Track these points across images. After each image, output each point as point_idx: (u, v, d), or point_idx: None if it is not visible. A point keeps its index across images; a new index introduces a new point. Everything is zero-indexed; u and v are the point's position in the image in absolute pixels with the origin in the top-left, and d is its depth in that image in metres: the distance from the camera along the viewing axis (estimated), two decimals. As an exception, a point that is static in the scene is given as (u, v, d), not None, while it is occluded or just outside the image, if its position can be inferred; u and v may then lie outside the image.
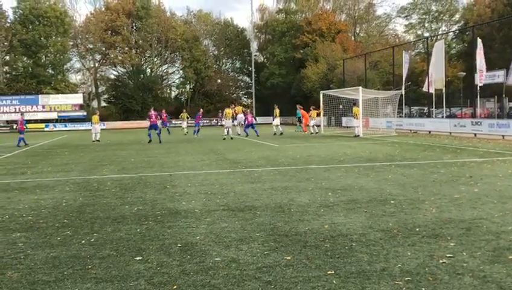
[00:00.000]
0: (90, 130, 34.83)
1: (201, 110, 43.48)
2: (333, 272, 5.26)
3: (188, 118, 42.47)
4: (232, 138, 30.97)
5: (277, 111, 35.67)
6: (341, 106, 42.71)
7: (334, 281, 4.98)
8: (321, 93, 38.53)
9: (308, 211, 8.38)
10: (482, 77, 31.43)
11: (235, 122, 36.29)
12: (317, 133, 35.54)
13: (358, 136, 30.44)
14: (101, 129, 35.23)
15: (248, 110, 36.79)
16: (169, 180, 12.77)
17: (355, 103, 32.82)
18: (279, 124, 35.76)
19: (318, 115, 37.10)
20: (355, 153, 18.98)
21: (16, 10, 70.90)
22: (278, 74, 70.73)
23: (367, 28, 77.69)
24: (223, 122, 35.23)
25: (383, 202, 9.04)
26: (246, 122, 34.71)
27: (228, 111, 33.64)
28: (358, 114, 31.47)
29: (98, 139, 32.50)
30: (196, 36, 77.59)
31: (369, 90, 36.81)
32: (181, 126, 42.59)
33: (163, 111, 37.97)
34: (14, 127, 31.92)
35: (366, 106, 34.26)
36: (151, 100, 71.18)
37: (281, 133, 34.46)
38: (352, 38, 74.21)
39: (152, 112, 30.10)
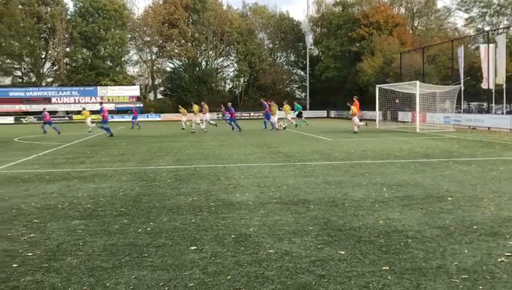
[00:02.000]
0: (94, 124, 36.81)
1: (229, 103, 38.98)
2: (388, 267, 5.21)
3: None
4: (205, 131, 32.70)
5: (274, 107, 35.02)
6: (397, 101, 42.00)
7: (389, 277, 4.93)
8: (377, 87, 38.02)
9: (363, 206, 8.30)
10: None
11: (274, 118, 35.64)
12: (284, 128, 34.93)
13: (356, 132, 29.59)
14: (156, 120, 36.21)
15: (229, 104, 36.79)
16: (223, 172, 12.87)
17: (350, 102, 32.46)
18: (275, 120, 35.35)
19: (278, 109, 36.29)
20: (411, 149, 18.64)
21: (76, 3, 72.98)
22: (333, 68, 70.12)
23: (426, 22, 75.97)
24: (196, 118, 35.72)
25: (439, 198, 8.86)
26: (230, 117, 35.49)
27: (196, 107, 35.12)
28: (356, 111, 31.32)
29: (90, 131, 35.21)
30: (251, 29, 77.77)
31: (427, 84, 35.98)
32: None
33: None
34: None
35: (424, 101, 33.58)
36: (206, 93, 71.88)
37: (271, 128, 34.08)
38: (410, 31, 72.74)
39: (104, 107, 32.23)
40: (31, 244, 6.42)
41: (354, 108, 31.34)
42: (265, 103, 36.99)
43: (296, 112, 41.91)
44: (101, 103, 38.22)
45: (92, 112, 50.03)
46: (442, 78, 50.07)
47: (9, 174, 13.14)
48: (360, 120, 32.42)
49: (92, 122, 37.31)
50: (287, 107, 37.55)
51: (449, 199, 8.81)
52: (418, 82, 31.95)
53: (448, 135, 26.55)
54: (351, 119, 34.03)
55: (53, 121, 39.40)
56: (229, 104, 36.87)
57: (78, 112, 58.68)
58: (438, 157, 15.54)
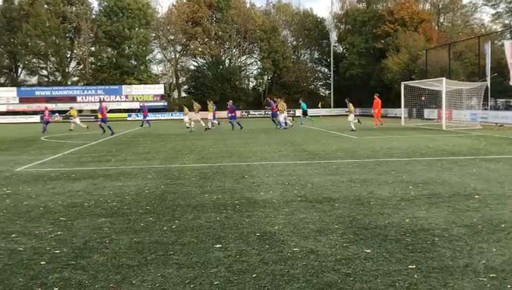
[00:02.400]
0: (71, 123, 38.39)
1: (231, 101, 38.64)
2: (414, 266, 5.16)
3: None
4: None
5: (282, 105, 34.47)
6: (423, 98, 41.63)
7: (416, 276, 4.87)
8: (402, 84, 37.70)
9: (388, 204, 8.23)
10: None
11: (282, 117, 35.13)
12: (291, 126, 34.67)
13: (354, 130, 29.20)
14: (180, 119, 36.42)
15: (230, 102, 36.55)
16: (247, 170, 12.87)
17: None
18: (282, 119, 34.70)
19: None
20: (437, 146, 18.44)
21: (101, 2, 73.78)
22: (357, 65, 69.73)
23: (452, 18, 75.09)
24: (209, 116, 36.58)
25: (466, 196, 8.74)
26: (231, 115, 35.39)
27: (196, 106, 36.84)
28: (352, 110, 31.12)
29: (71, 128, 36.62)
30: (275, 27, 77.68)
31: (453, 81, 35.59)
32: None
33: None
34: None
35: (450, 98, 33.18)
36: (230, 91, 72.01)
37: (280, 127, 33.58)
38: (436, 27, 71.97)
39: (103, 106, 32.58)
40: (58, 241, 6.49)
41: (351, 106, 31.00)
42: (272, 101, 36.91)
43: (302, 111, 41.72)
44: (100, 102, 38.08)
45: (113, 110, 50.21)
46: (469, 75, 49.46)
47: (36, 173, 13.32)
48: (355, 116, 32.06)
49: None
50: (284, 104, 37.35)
51: (476, 197, 8.70)
52: (444, 79, 31.59)
53: (475, 132, 26.22)
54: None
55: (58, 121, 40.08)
56: (230, 102, 36.71)
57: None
58: (465, 155, 15.35)
